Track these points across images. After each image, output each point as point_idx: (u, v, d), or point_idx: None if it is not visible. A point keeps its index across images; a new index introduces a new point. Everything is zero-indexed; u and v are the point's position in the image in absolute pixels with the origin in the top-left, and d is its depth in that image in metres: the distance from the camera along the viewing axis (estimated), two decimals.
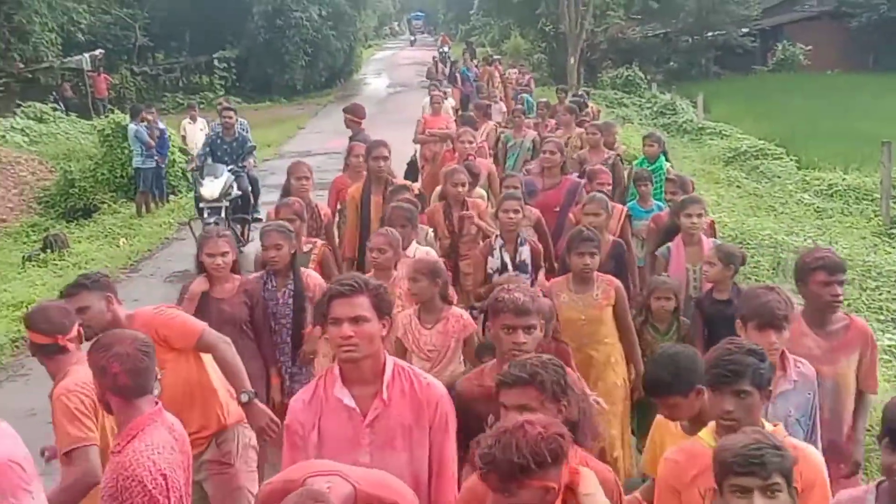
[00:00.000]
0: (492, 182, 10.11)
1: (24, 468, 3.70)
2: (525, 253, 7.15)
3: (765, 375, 3.57)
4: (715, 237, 8.11)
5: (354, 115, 11.44)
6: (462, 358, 5.83)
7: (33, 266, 13.64)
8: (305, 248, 7.10)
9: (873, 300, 10.61)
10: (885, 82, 34.23)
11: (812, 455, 3.65)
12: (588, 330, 6.12)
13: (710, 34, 43.45)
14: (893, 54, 40.18)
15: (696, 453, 3.61)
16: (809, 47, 41.30)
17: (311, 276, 6.56)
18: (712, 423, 3.67)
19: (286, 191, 8.59)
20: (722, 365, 3.56)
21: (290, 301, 6.38)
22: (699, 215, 7.12)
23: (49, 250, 14.21)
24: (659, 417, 4.38)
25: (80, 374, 4.30)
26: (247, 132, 14.95)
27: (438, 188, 9.13)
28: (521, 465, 2.81)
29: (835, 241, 13.19)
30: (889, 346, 8.57)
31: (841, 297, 5.03)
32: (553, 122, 14.89)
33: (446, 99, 15.29)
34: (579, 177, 9.36)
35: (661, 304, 6.43)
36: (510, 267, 7.04)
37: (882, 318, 10.05)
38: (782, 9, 46.29)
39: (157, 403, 3.72)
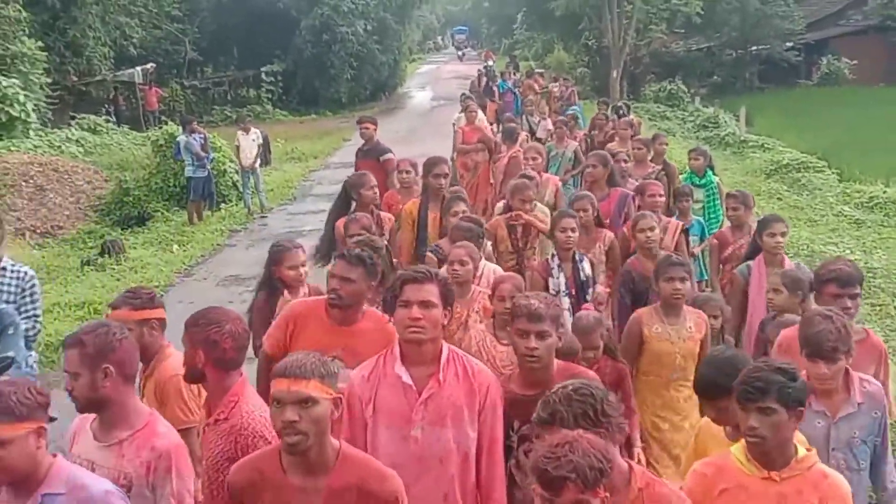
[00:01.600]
0: (558, 199, 9.89)
1: None
2: (587, 269, 7.08)
3: (793, 395, 3.50)
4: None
5: (371, 122, 11.53)
6: None
7: (92, 270, 14.12)
8: None
9: None
10: None
11: (839, 484, 3.60)
12: (680, 365, 5.83)
13: (754, 48, 43.41)
14: None
15: (725, 468, 3.64)
16: (855, 61, 41.06)
17: None
18: (744, 441, 3.63)
19: (347, 202, 8.44)
20: (748, 381, 3.54)
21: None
22: (783, 234, 6.91)
23: (106, 255, 14.67)
24: (702, 423, 4.34)
25: (178, 356, 4.60)
26: (29, 294, 6.33)
27: (500, 204, 8.98)
28: (592, 466, 2.85)
29: (871, 252, 13.36)
30: None
31: (852, 311, 4.97)
32: (581, 133, 15.15)
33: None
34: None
35: (710, 322, 6.13)
36: (567, 285, 6.95)
37: None
38: (827, 23, 46.05)
39: (241, 374, 4.09)
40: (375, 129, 11.47)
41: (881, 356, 5.14)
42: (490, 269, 6.80)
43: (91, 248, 16.07)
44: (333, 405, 3.37)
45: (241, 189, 18.79)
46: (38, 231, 17.20)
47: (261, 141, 18.05)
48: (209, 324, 4.00)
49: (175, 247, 15.64)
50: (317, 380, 3.30)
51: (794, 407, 3.49)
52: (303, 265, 6.24)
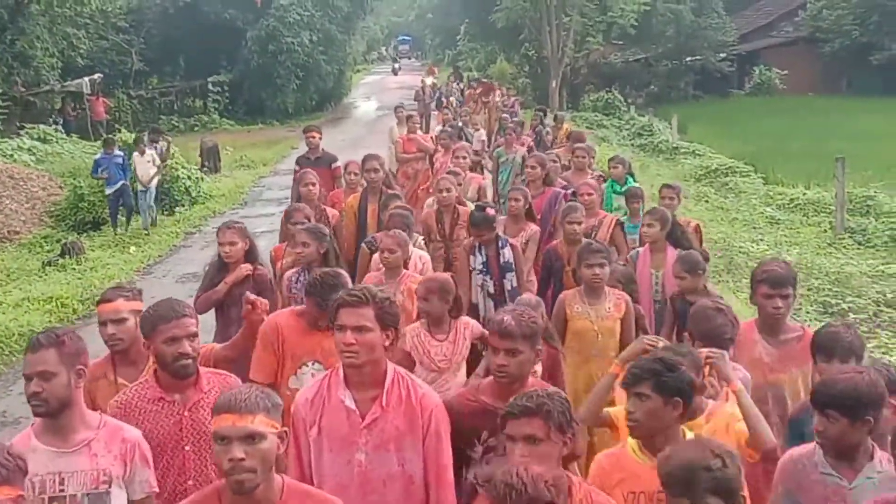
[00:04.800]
0: (482, 197, 10.88)
1: None
2: (507, 254, 7.59)
3: (668, 384, 3.68)
4: (701, 241, 8.76)
5: (317, 131, 12.28)
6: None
7: (53, 270, 14.65)
8: None
9: (815, 295, 11.88)
10: (856, 104, 35.59)
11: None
12: (600, 342, 6.27)
13: (688, 59, 44.85)
14: (865, 78, 41.73)
15: (620, 458, 3.87)
16: (785, 72, 42.64)
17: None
18: None
19: (297, 197, 9.52)
20: (630, 369, 3.83)
21: None
22: (650, 225, 7.65)
23: (67, 256, 15.18)
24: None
25: None
26: None
27: (430, 199, 9.90)
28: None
29: (782, 246, 14.46)
30: None
31: (782, 310, 5.16)
32: (528, 138, 16.04)
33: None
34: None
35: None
36: (487, 265, 7.52)
37: (821, 310, 11.35)
38: (758, 35, 47.83)
39: None
40: (321, 138, 12.28)
41: None
42: (417, 255, 7.59)
43: (49, 251, 16.48)
44: (279, 439, 3.27)
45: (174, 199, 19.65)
46: None
47: (158, 162, 18.10)
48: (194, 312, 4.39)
49: (132, 248, 16.20)
50: (263, 414, 3.19)
51: (669, 396, 3.68)
52: (231, 244, 6.78)
